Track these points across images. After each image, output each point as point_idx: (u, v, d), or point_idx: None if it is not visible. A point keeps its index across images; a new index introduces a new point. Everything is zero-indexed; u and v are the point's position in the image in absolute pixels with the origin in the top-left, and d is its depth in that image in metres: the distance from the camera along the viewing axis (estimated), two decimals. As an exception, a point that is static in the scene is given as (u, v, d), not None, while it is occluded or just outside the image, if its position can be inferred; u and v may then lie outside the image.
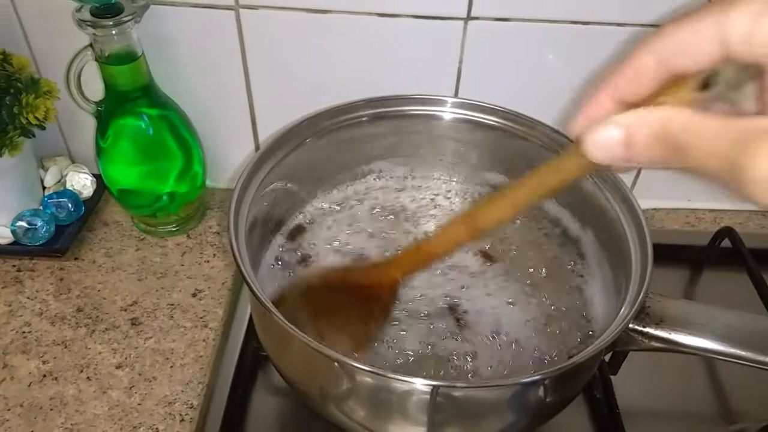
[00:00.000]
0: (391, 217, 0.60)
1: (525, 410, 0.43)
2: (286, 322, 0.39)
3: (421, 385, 0.38)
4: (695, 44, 0.26)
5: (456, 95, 0.66)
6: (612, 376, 0.55)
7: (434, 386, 0.38)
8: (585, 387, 0.51)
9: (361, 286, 0.47)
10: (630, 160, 0.27)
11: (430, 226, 0.59)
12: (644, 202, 0.48)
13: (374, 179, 0.61)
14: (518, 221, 0.59)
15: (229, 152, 0.72)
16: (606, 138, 0.27)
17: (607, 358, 0.53)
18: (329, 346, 0.38)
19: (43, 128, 0.62)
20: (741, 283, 0.62)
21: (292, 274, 0.54)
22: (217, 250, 0.68)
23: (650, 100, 0.28)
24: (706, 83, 0.26)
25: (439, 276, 0.55)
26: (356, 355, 0.46)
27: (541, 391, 0.42)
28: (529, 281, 0.55)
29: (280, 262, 0.54)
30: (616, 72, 0.29)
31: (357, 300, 0.47)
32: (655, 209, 0.75)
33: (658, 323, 0.43)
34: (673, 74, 0.27)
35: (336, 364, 0.38)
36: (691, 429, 0.57)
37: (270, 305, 0.40)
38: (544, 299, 0.53)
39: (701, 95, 0.26)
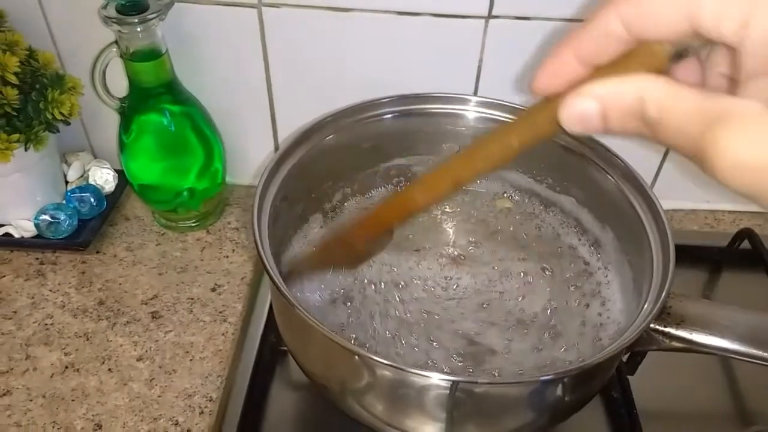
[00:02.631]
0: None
1: (543, 408, 0.43)
2: (309, 316, 0.39)
3: (440, 380, 0.38)
4: (664, 13, 0.25)
5: (475, 93, 0.66)
6: (629, 377, 0.54)
7: (454, 382, 0.38)
8: (603, 387, 0.51)
9: (363, 240, 0.47)
10: (604, 132, 0.27)
11: (450, 226, 0.59)
12: (663, 203, 0.48)
13: (395, 177, 0.61)
14: (539, 221, 0.59)
15: (248, 149, 0.73)
16: (581, 111, 0.26)
17: (624, 358, 0.53)
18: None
19: (68, 123, 0.63)
20: (760, 285, 0.61)
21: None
22: (236, 245, 0.69)
23: (618, 65, 0.27)
24: (680, 54, 0.26)
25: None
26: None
27: (559, 390, 0.42)
28: (549, 281, 0.55)
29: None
30: (581, 30, 0.28)
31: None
32: (674, 210, 0.75)
33: (679, 323, 0.43)
34: (637, 40, 0.27)
35: (357, 357, 0.39)
36: (708, 430, 0.56)
37: (293, 299, 0.40)
38: (563, 298, 0.53)
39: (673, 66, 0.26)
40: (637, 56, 0.27)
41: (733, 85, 0.27)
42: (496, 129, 0.34)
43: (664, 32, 0.26)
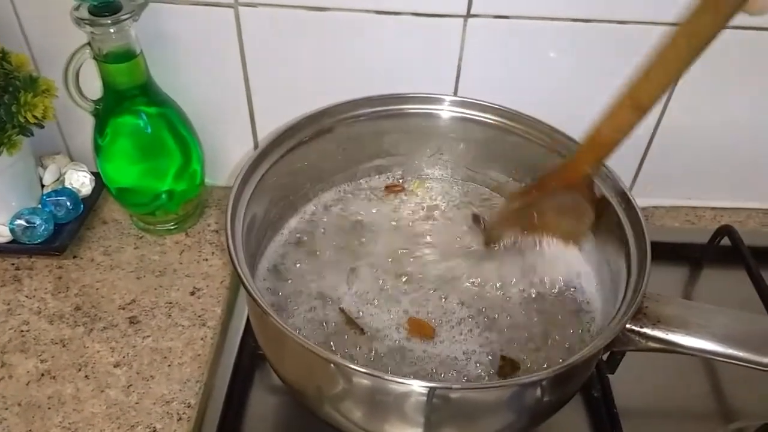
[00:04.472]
0: (391, 214, 0.59)
1: (522, 411, 0.43)
2: (283, 325, 0.39)
3: (417, 386, 0.38)
4: None
5: (456, 93, 0.66)
6: (610, 375, 0.54)
7: (431, 388, 0.38)
8: (583, 386, 0.51)
9: (559, 190, 0.48)
10: None
11: (428, 225, 0.59)
12: (644, 200, 0.48)
13: (373, 177, 0.61)
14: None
15: (228, 150, 0.72)
16: None
17: (604, 357, 0.52)
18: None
19: (42, 127, 0.62)
20: (740, 282, 0.61)
21: (289, 274, 0.54)
22: (215, 248, 0.68)
23: None
24: None
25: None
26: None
27: (538, 392, 0.42)
28: (527, 280, 0.55)
29: (278, 262, 0.54)
30: None
31: (563, 205, 0.49)
32: (655, 207, 0.75)
33: (656, 324, 0.43)
34: None
35: (332, 365, 0.38)
36: (689, 427, 0.56)
37: (267, 307, 0.40)
38: (541, 298, 0.53)
39: None
40: None
41: None
42: (661, 44, 0.34)
43: None
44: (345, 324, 0.50)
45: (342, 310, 0.50)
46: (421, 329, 0.50)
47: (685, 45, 0.33)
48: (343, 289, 0.53)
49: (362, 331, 0.49)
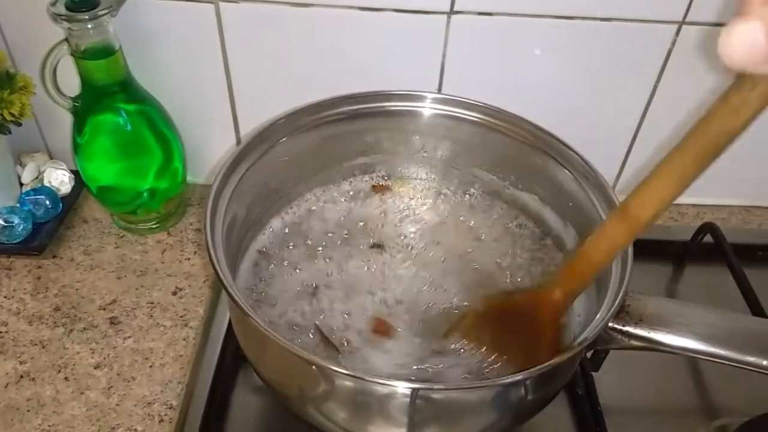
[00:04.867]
0: (374, 213, 0.59)
1: (506, 410, 0.43)
2: (264, 326, 0.38)
3: (400, 387, 0.37)
4: None
5: (440, 90, 0.65)
6: (594, 373, 0.55)
7: (414, 389, 0.37)
8: (567, 384, 0.51)
9: (525, 313, 0.44)
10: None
11: (410, 224, 0.59)
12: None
13: (356, 176, 0.60)
14: (497, 217, 0.59)
15: (210, 147, 0.71)
16: (746, 32, 0.23)
17: (588, 354, 0.52)
18: None
19: (19, 124, 0.61)
20: (723, 279, 0.62)
21: (271, 273, 0.53)
22: (198, 247, 0.67)
23: None
24: None
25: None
26: None
27: (521, 391, 0.41)
28: (510, 278, 0.55)
29: (260, 262, 0.54)
30: None
31: (523, 329, 0.45)
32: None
33: (638, 322, 0.43)
34: None
35: (314, 367, 0.38)
36: (673, 424, 0.57)
37: (247, 308, 0.39)
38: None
39: None
40: None
41: None
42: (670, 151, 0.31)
43: None
44: (320, 341, 0.49)
45: (317, 327, 0.49)
46: (382, 328, 0.49)
47: (695, 158, 0.30)
48: (322, 288, 0.52)
49: (337, 350, 0.48)
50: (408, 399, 0.39)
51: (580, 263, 0.39)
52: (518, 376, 0.39)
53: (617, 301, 0.41)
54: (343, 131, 0.56)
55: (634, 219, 0.34)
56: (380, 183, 0.61)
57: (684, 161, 0.31)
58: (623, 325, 0.43)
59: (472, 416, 0.42)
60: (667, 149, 0.73)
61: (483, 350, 0.46)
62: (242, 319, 0.42)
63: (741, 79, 0.27)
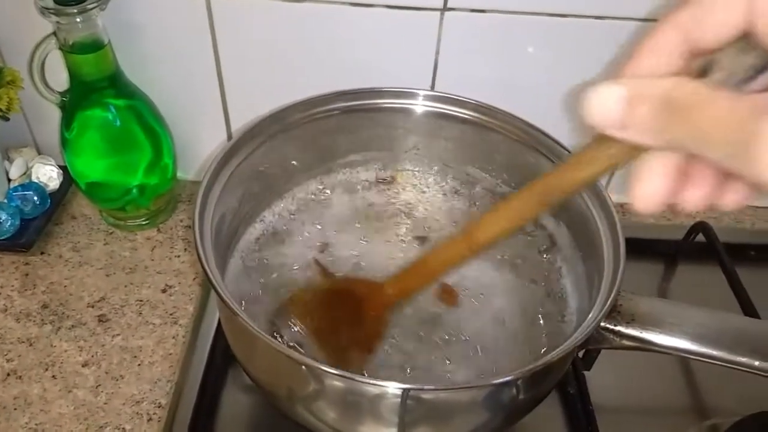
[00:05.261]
0: (364, 211, 0.59)
1: (497, 410, 0.43)
2: (253, 325, 0.38)
3: (391, 388, 0.37)
4: (718, 12, 0.24)
5: (433, 88, 0.65)
6: (585, 372, 0.54)
7: (404, 389, 0.37)
8: (558, 383, 0.51)
9: (357, 301, 0.46)
10: (627, 125, 0.25)
11: (402, 221, 0.58)
12: (621, 196, 0.48)
13: (347, 173, 0.60)
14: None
15: (200, 143, 0.71)
16: (608, 95, 0.25)
17: (580, 354, 0.52)
18: (326, 360, 0.38)
19: (7, 119, 0.60)
20: (715, 278, 0.62)
21: (262, 271, 0.53)
22: (188, 244, 0.67)
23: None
24: (704, 70, 0.25)
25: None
26: (354, 368, 0.44)
27: (512, 391, 0.41)
28: (502, 276, 0.54)
29: (249, 259, 0.53)
30: (638, 49, 0.27)
31: (353, 316, 0.46)
32: (630, 203, 0.75)
33: (630, 322, 0.43)
34: (695, 50, 0.26)
35: (303, 367, 0.38)
36: (665, 424, 0.57)
37: (236, 307, 0.38)
38: (516, 294, 0.53)
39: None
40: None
41: None
42: (522, 188, 0.34)
43: (719, 33, 0.25)
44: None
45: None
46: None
47: (541, 195, 0.33)
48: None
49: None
50: (399, 399, 0.38)
51: (418, 268, 0.42)
52: (510, 376, 0.38)
53: (609, 301, 0.40)
54: (334, 128, 0.55)
55: (474, 240, 0.37)
56: (383, 177, 0.60)
57: (528, 201, 0.34)
58: (615, 325, 0.42)
59: (464, 416, 0.42)
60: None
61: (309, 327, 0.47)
62: (231, 319, 0.42)
63: (599, 137, 0.28)
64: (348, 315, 0.47)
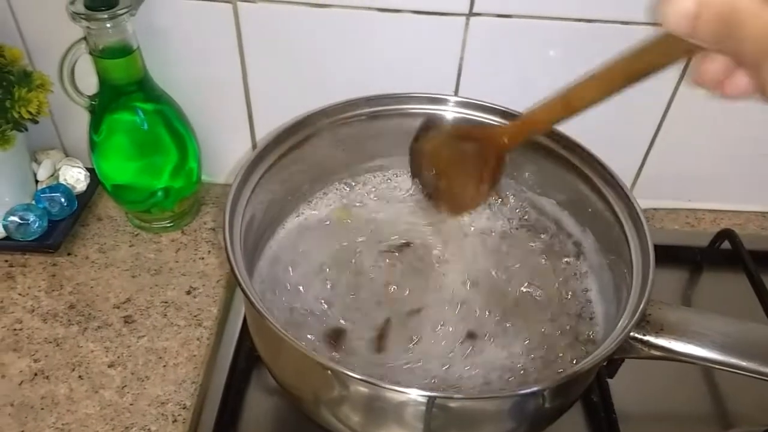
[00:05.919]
0: (392, 216, 0.59)
1: (523, 419, 0.42)
2: (281, 329, 0.38)
3: (416, 395, 0.37)
4: None
5: (456, 92, 0.65)
6: (609, 380, 0.54)
7: (430, 397, 0.37)
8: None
9: (477, 142, 0.50)
10: (693, 34, 0.29)
11: (428, 225, 0.58)
12: (644, 202, 0.48)
13: (374, 178, 0.60)
14: (516, 221, 0.59)
15: (225, 147, 0.71)
16: (680, 7, 0.29)
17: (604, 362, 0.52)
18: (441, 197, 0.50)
19: (36, 122, 0.61)
20: (740, 286, 0.61)
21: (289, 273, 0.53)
22: (212, 246, 0.67)
23: None
24: None
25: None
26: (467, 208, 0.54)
27: (539, 401, 0.41)
28: (529, 284, 0.54)
29: (277, 263, 0.54)
30: None
31: (472, 158, 0.51)
32: (655, 209, 0.75)
33: (659, 332, 0.42)
34: None
35: (329, 372, 0.38)
36: (687, 433, 0.56)
37: (264, 311, 0.39)
38: (544, 302, 0.53)
39: None
40: None
41: None
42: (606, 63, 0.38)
43: None
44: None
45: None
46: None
47: (623, 72, 0.38)
48: (339, 288, 0.52)
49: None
50: (424, 407, 0.38)
51: (524, 123, 0.48)
52: (537, 386, 0.38)
53: (639, 311, 0.40)
54: (361, 132, 0.55)
55: (570, 105, 0.42)
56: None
57: (613, 76, 0.39)
58: (644, 335, 0.42)
59: (489, 425, 0.42)
60: (686, 153, 0.72)
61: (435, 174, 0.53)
62: (259, 321, 0.42)
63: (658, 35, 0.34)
64: (470, 156, 0.51)
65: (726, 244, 0.66)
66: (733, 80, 0.33)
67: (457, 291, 0.53)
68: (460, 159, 0.51)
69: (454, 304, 0.52)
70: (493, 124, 0.55)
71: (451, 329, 0.50)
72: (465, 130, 0.53)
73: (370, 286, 0.53)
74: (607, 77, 0.39)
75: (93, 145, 0.62)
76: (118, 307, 0.61)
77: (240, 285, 0.40)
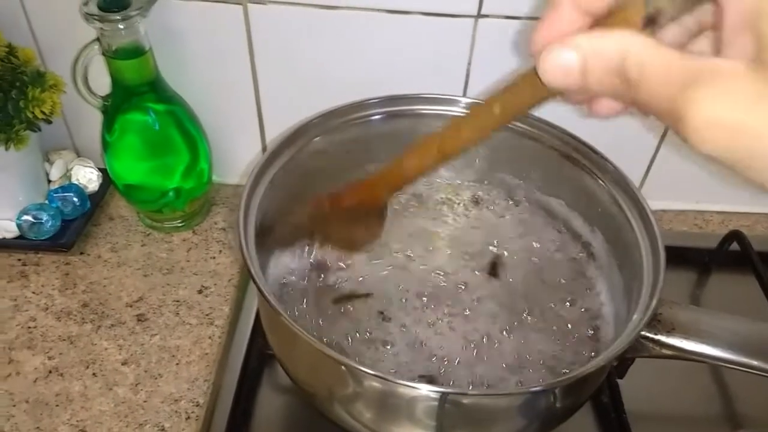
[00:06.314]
0: (401, 216, 0.59)
1: (534, 418, 0.43)
2: (295, 325, 0.38)
3: (429, 392, 0.37)
4: None
5: (464, 94, 0.65)
6: (619, 380, 0.54)
7: (443, 393, 0.37)
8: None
9: (354, 205, 0.48)
10: (582, 90, 0.26)
11: (440, 226, 0.59)
12: (653, 204, 0.48)
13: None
14: (527, 221, 0.59)
15: (235, 148, 0.72)
16: (563, 62, 0.26)
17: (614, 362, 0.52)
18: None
19: (50, 122, 0.62)
20: (749, 287, 0.61)
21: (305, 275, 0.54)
22: (223, 246, 0.68)
23: (613, 15, 0.26)
24: (652, 19, 0.25)
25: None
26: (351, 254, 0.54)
27: (550, 400, 0.41)
28: (538, 284, 0.55)
29: (288, 263, 0.54)
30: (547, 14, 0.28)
31: (352, 218, 0.49)
32: (663, 210, 0.75)
33: (670, 331, 0.43)
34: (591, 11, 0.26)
35: (343, 367, 0.38)
36: (697, 432, 0.56)
37: (279, 308, 0.39)
38: (553, 303, 0.53)
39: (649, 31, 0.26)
40: (624, 6, 0.26)
41: (716, 50, 0.27)
42: (482, 101, 0.35)
43: None
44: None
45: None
46: None
47: (499, 112, 0.34)
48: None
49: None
50: (437, 403, 0.39)
51: (395, 172, 0.44)
52: (548, 385, 0.39)
53: (650, 310, 0.40)
54: (372, 133, 0.56)
55: (441, 150, 0.39)
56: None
57: (488, 118, 0.35)
58: (655, 334, 0.42)
59: (501, 422, 0.42)
60: (694, 154, 0.73)
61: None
62: (273, 318, 0.43)
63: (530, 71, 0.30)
64: (353, 215, 0.49)
65: (735, 246, 0.66)
66: (600, 101, 0.30)
67: (470, 286, 0.54)
68: (346, 222, 0.50)
69: (467, 301, 0.53)
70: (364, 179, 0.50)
71: (459, 326, 0.51)
72: (342, 199, 0.50)
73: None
74: (481, 120, 0.36)
75: (105, 145, 0.63)
76: (131, 306, 0.61)
77: (254, 281, 0.41)
